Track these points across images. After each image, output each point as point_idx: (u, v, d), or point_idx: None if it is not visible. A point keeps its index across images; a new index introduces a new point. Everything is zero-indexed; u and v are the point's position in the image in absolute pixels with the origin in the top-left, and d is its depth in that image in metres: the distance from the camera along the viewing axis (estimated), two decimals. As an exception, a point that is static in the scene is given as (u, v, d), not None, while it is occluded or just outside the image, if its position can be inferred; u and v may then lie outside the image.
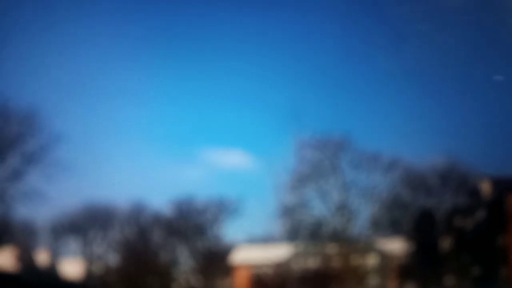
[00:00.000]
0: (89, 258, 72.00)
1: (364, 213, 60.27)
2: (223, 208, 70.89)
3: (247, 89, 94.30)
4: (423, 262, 57.75)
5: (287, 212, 59.15)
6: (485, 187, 58.47)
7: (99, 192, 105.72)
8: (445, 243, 59.84)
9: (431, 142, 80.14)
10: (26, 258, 63.05)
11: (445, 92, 76.54)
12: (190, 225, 69.95)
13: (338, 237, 59.18)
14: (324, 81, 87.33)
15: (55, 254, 71.15)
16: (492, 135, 68.99)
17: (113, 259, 72.72)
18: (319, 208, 60.15)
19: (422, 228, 59.51)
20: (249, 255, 68.99)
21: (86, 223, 70.34)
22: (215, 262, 69.44)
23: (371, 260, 63.68)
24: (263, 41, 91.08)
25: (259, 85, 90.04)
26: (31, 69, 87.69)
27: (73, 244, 72.20)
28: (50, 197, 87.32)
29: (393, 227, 61.61)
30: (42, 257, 67.53)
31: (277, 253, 62.59)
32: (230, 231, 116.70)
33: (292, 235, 60.51)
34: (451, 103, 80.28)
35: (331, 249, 60.26)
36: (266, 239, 67.35)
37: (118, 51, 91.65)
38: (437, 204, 60.88)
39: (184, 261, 71.30)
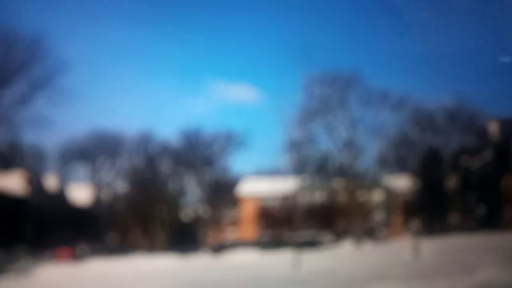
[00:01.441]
0: (97, 185, 71.26)
1: (371, 149, 58.97)
2: (230, 141, 69.94)
3: (256, 24, 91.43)
4: (428, 199, 56.50)
5: (294, 146, 57.74)
6: (492, 128, 56.69)
7: (108, 120, 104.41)
8: (451, 182, 58.48)
9: (440, 82, 78.03)
10: (35, 182, 62.14)
11: (454, 32, 73.82)
12: (198, 156, 68.92)
13: (344, 172, 57.97)
14: (334, 16, 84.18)
15: (64, 179, 70.43)
16: (501, 76, 66.90)
17: (121, 186, 72.12)
18: (326, 144, 58.91)
19: (428, 166, 58.07)
20: (255, 187, 68.03)
21: (94, 150, 69.45)
22: (222, 193, 68.65)
23: (377, 196, 62.75)
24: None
25: (268, 20, 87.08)
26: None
27: (81, 170, 71.44)
28: (58, 123, 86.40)
29: (400, 165, 60.32)
30: (51, 182, 66.72)
31: (283, 186, 61.31)
32: (237, 163, 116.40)
33: (298, 169, 59.17)
34: (460, 44, 77.60)
35: (337, 183, 59.09)
36: (272, 172, 66.04)
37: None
38: (444, 143, 59.48)
39: (192, 191, 70.66)
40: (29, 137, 59.32)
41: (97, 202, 71.22)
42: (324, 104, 58.17)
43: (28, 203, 57.44)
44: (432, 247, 33.43)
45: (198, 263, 37.45)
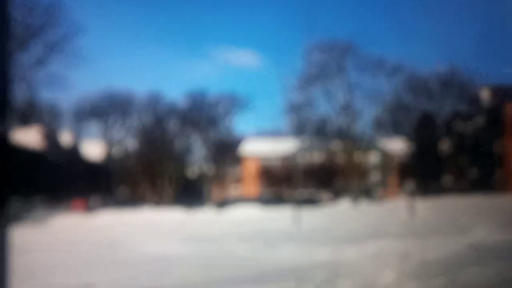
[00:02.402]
0: (109, 141, 71.09)
1: (368, 113, 58.51)
2: (234, 103, 69.70)
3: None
4: (423, 162, 56.10)
5: (294, 109, 57.28)
6: (484, 95, 56.05)
7: (119, 81, 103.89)
8: (444, 146, 58.03)
9: (434, 49, 77.15)
10: (51, 137, 62.01)
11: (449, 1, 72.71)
12: (203, 116, 68.64)
13: (342, 134, 57.56)
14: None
15: (78, 136, 70.28)
16: (493, 44, 66.11)
17: (131, 143, 72.03)
18: (324, 107, 58.53)
19: (422, 130, 57.53)
20: (257, 147, 67.75)
21: (106, 109, 69.19)
22: (226, 152, 68.53)
23: (373, 158, 62.43)
24: None
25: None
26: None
27: (94, 127, 71.27)
28: (73, 83, 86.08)
29: (395, 128, 59.80)
30: (66, 138, 66.61)
31: (284, 146, 60.96)
32: (240, 124, 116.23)
33: (298, 130, 58.80)
34: (454, 12, 76.39)
35: (335, 145, 58.75)
36: (274, 133, 65.73)
37: None
38: (438, 108, 58.78)
39: (197, 150, 70.63)
40: (46, 95, 59.38)
41: (109, 157, 71.07)
42: (323, 70, 57.65)
43: (44, 157, 57.38)
44: (427, 207, 33.06)
45: (203, 217, 37.26)
